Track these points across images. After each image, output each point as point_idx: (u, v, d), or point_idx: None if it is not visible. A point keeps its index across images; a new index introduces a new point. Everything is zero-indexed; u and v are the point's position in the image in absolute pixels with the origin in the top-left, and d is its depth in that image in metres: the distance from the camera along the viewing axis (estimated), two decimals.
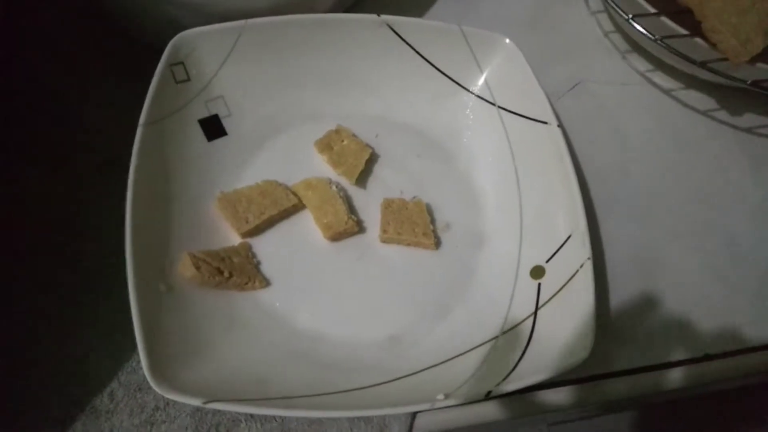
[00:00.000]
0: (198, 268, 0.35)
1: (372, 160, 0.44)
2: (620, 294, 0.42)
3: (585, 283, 0.36)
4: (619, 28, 0.54)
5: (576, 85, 0.51)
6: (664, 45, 0.44)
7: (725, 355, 0.41)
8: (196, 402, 0.30)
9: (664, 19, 0.44)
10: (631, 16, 0.45)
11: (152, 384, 0.30)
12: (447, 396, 0.32)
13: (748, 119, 0.51)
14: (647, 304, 0.42)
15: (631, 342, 0.40)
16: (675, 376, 0.40)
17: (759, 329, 0.42)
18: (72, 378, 0.36)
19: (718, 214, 0.46)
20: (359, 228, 0.41)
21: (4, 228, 0.39)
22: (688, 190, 0.47)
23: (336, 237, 0.40)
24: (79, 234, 0.40)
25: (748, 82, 0.43)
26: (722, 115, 0.51)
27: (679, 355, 0.40)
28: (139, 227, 0.34)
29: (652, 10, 0.45)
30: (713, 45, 0.43)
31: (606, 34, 0.54)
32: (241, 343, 0.35)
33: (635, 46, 0.53)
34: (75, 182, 0.41)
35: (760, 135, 0.51)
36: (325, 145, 0.43)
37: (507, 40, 0.43)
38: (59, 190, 0.41)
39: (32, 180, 0.41)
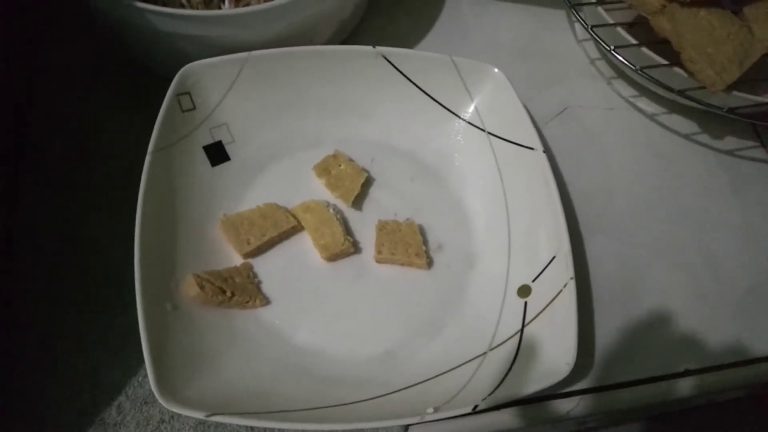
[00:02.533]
0: (202, 287, 0.37)
1: (367, 183, 0.46)
2: (605, 311, 0.44)
3: (568, 302, 0.38)
4: (604, 56, 0.57)
5: (564, 110, 0.53)
6: (645, 74, 0.46)
7: (704, 371, 0.42)
8: (199, 415, 0.32)
9: (644, 49, 0.47)
10: (613, 47, 0.47)
11: (158, 397, 0.32)
12: (436, 409, 0.34)
13: (729, 142, 0.54)
14: (631, 320, 0.44)
15: (615, 358, 0.42)
16: (654, 391, 0.41)
17: (738, 346, 0.44)
18: (82, 391, 0.38)
19: (701, 234, 0.48)
20: (355, 249, 0.43)
21: (20, 246, 0.41)
22: (671, 210, 0.49)
23: (333, 257, 0.42)
24: (90, 254, 0.42)
25: (725, 110, 0.46)
26: (704, 138, 0.54)
27: (660, 370, 0.42)
28: (147, 249, 0.36)
29: (633, 41, 0.47)
30: (691, 74, 0.45)
31: (592, 62, 0.57)
32: (242, 359, 0.37)
33: (620, 72, 0.56)
34: (87, 205, 0.43)
35: (741, 157, 0.53)
36: (323, 169, 0.45)
37: (495, 70, 0.46)
38: (72, 211, 0.43)
39: (47, 202, 0.43)
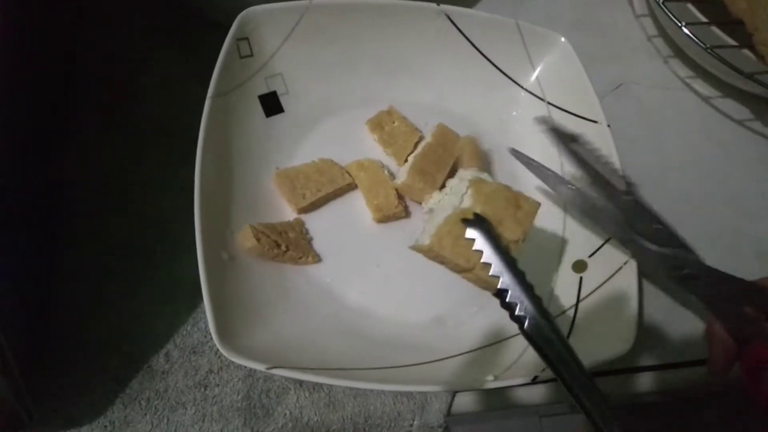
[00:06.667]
0: (258, 239, 0.36)
1: (420, 144, 0.45)
2: (652, 294, 0.43)
3: (629, 279, 0.37)
4: (662, 33, 0.55)
5: (619, 86, 0.52)
6: (714, 54, 0.45)
7: None
8: (260, 367, 0.31)
9: (713, 28, 0.45)
10: (684, 23, 0.46)
11: (219, 346, 0.31)
12: (496, 378, 0.33)
13: None
14: (677, 304, 0.43)
15: (660, 341, 0.42)
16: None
17: None
18: (128, 338, 0.37)
19: (749, 221, 0.48)
20: (406, 213, 0.42)
21: (68, 191, 0.40)
22: (721, 195, 0.49)
23: (384, 219, 0.42)
24: (137, 201, 0.41)
25: None
26: (757, 125, 0.53)
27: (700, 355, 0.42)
28: (206, 195, 0.35)
29: (704, 20, 0.46)
30: (761, 57, 0.44)
31: (649, 38, 0.55)
32: (295, 315, 0.37)
33: (677, 51, 0.54)
34: (136, 151, 0.42)
35: None
36: (377, 124, 0.44)
37: (562, 39, 0.44)
38: (120, 157, 0.42)
39: (95, 148, 0.42)
